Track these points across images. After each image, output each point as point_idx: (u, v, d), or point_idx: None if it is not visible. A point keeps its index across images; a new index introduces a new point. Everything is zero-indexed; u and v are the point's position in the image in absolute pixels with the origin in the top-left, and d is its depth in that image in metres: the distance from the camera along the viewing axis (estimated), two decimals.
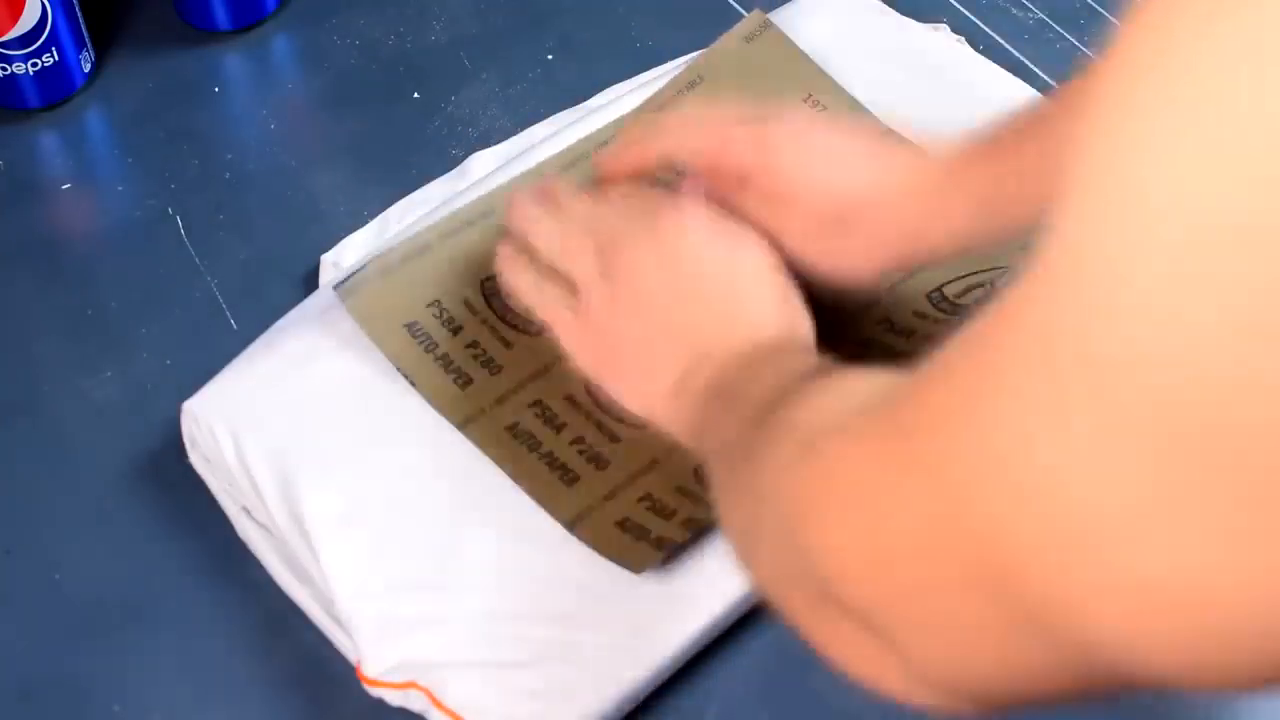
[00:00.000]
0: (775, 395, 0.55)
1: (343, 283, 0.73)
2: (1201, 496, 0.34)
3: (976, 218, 0.67)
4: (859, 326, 0.73)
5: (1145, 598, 0.36)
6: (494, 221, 0.76)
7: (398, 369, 0.71)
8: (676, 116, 0.76)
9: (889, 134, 0.74)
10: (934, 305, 0.73)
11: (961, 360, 0.41)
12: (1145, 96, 0.34)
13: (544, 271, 0.69)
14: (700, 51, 0.84)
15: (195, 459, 0.72)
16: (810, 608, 0.47)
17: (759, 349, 0.63)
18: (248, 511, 0.70)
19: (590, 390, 0.70)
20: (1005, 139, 0.67)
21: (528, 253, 0.70)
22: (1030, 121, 0.67)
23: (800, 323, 0.66)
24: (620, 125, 0.80)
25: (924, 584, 0.42)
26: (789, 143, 0.70)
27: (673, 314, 0.66)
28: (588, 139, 0.80)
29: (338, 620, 0.67)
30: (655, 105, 0.81)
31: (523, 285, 0.70)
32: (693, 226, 0.68)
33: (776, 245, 0.69)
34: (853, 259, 0.69)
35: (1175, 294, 0.33)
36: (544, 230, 0.70)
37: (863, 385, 0.52)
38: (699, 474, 0.68)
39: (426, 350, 0.72)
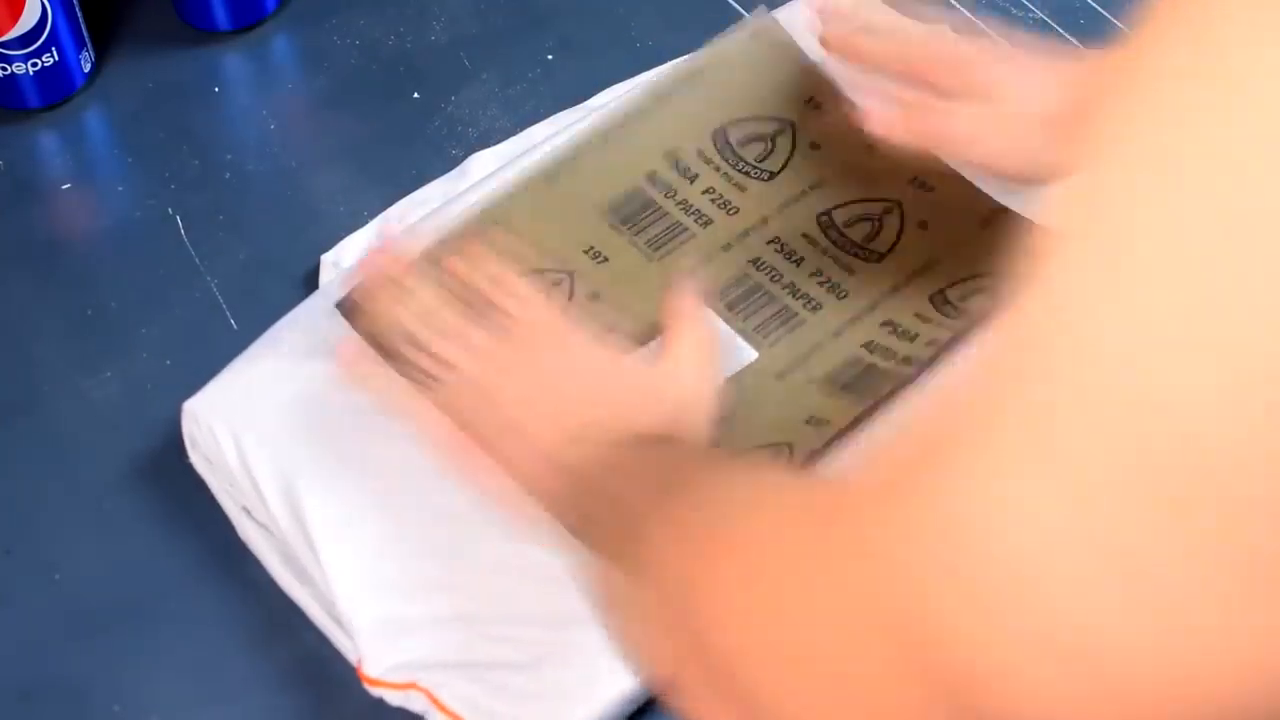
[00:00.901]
0: (673, 476, 0.53)
1: (344, 300, 0.73)
2: (1165, 559, 0.33)
3: None
4: (861, 329, 0.73)
5: (1085, 668, 0.34)
6: (497, 231, 0.76)
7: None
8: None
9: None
10: (936, 308, 0.73)
11: (898, 444, 0.39)
12: (1146, 140, 0.33)
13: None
14: (704, 48, 0.84)
15: (196, 459, 0.72)
16: (699, 691, 0.45)
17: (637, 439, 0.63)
18: (248, 511, 0.70)
19: None
20: None
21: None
22: None
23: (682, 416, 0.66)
24: (617, 120, 0.80)
25: (837, 671, 0.40)
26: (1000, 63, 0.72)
27: (565, 385, 0.66)
28: (586, 135, 0.79)
29: (338, 620, 0.67)
30: (655, 95, 0.81)
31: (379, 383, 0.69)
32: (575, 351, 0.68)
33: (997, 133, 0.70)
34: (1051, 158, 0.68)
35: (1165, 355, 0.32)
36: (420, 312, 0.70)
37: (768, 475, 0.51)
38: None
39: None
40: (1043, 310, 0.35)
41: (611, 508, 0.57)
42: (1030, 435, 0.35)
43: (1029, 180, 0.71)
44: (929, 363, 0.71)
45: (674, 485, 0.52)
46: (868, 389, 0.70)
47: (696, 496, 0.50)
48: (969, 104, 0.71)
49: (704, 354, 0.68)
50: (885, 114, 0.73)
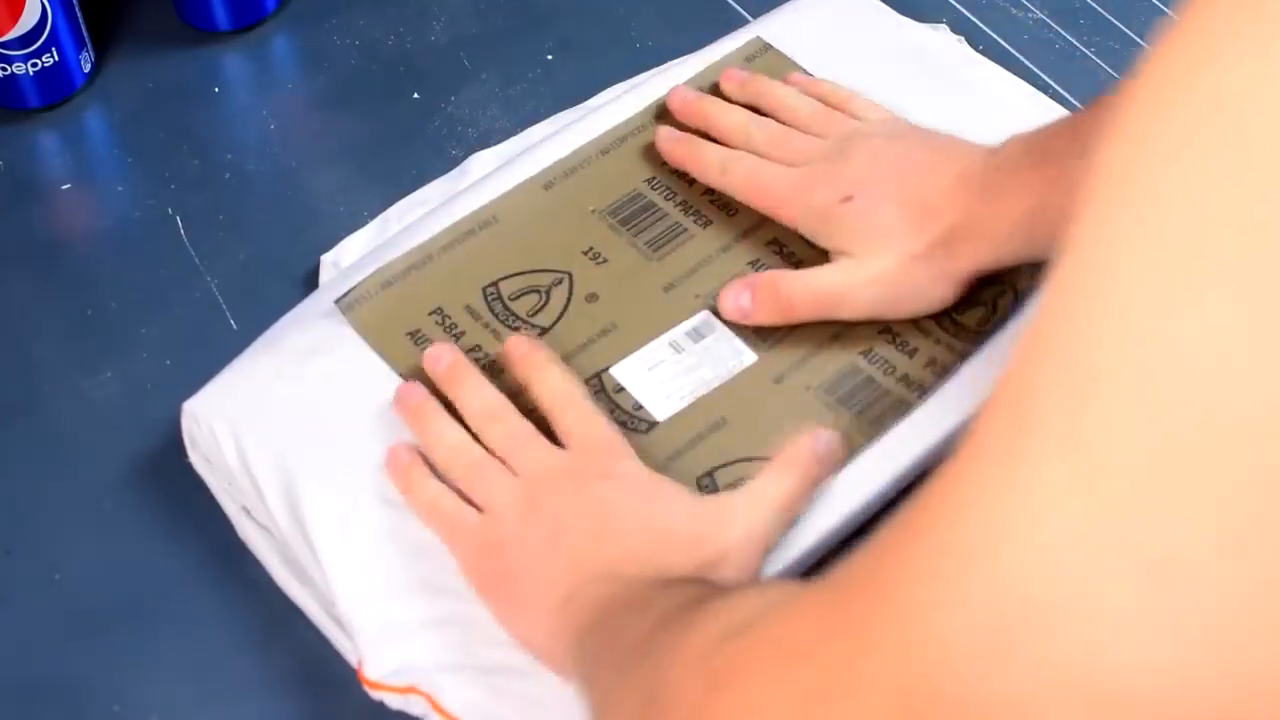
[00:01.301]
0: (687, 603, 0.50)
1: (344, 296, 0.73)
2: (1210, 569, 0.30)
3: (1022, 227, 0.67)
4: (859, 335, 0.73)
5: (1124, 712, 0.32)
6: (494, 229, 0.76)
7: (400, 376, 0.71)
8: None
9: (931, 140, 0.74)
10: (934, 320, 0.73)
11: (914, 518, 0.36)
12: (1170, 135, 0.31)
13: (441, 485, 0.66)
14: (699, 53, 0.84)
15: (195, 459, 0.72)
16: None
17: (660, 580, 0.59)
18: (248, 511, 0.70)
19: (591, 392, 0.70)
20: (1053, 148, 0.67)
21: (425, 463, 0.67)
22: (1081, 129, 0.67)
23: (720, 562, 0.62)
24: (618, 128, 0.80)
25: None
26: (836, 204, 0.71)
27: (582, 546, 0.63)
28: (591, 143, 0.80)
29: (338, 621, 0.67)
30: (656, 113, 0.81)
31: (420, 500, 0.66)
32: (621, 478, 0.65)
33: (843, 296, 0.70)
34: (923, 295, 0.70)
35: (1206, 344, 0.30)
36: (447, 447, 0.67)
37: (786, 585, 0.47)
38: (699, 482, 0.68)
39: None
40: (1064, 314, 0.32)
41: (613, 642, 0.54)
42: (1056, 442, 0.32)
43: (911, 315, 0.71)
44: (928, 389, 0.71)
45: (693, 608, 0.49)
46: (867, 407, 0.70)
47: (713, 607, 0.47)
48: (826, 256, 0.72)
49: (772, 508, 0.64)
50: (737, 301, 0.72)
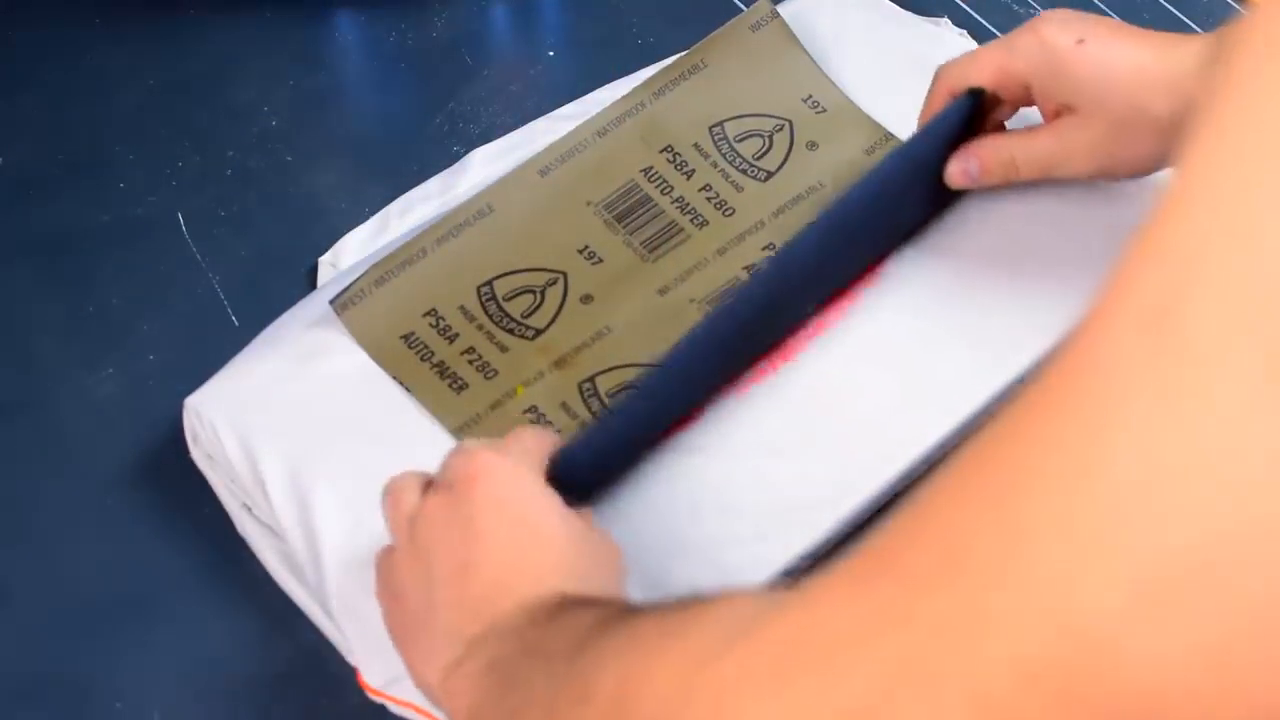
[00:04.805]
0: (599, 630, 0.46)
1: (338, 296, 0.73)
2: None
3: None
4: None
5: None
6: (489, 220, 0.76)
7: (395, 380, 0.71)
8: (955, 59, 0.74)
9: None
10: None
11: (995, 474, 0.32)
12: None
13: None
14: (704, 40, 0.84)
15: (197, 455, 0.72)
16: None
17: (545, 608, 0.54)
18: (248, 509, 0.71)
19: (584, 396, 0.71)
20: None
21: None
22: None
23: (598, 574, 0.58)
24: (615, 106, 0.80)
25: None
26: (1071, 46, 0.69)
27: (453, 584, 0.57)
28: (588, 124, 0.79)
29: (337, 621, 0.67)
30: (655, 89, 0.81)
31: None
32: (484, 486, 0.58)
33: (1065, 157, 0.70)
34: (1142, 154, 0.69)
35: None
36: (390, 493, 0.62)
37: (761, 591, 0.41)
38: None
39: (423, 360, 0.72)
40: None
41: (527, 691, 0.50)
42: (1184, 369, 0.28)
43: (1135, 175, 0.70)
44: None
45: (612, 656, 0.44)
46: None
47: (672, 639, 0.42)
48: (1048, 119, 0.71)
49: None
50: (965, 167, 0.72)
